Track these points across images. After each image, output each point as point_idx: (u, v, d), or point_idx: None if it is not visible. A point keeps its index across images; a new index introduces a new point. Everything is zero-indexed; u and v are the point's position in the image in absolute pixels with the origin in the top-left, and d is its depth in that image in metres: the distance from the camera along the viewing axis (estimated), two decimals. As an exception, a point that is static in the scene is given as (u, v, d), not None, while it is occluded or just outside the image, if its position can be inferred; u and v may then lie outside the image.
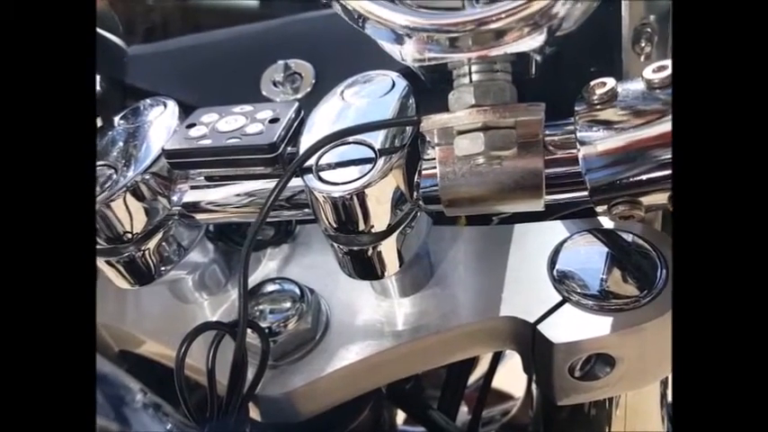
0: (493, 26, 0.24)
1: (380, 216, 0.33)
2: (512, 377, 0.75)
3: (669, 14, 0.43)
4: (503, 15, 0.24)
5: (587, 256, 0.41)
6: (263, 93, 0.50)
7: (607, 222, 0.43)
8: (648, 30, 0.45)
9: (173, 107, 0.42)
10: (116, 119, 0.42)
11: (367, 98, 0.37)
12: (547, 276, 0.41)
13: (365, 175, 0.32)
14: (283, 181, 0.33)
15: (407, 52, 0.27)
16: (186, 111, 0.43)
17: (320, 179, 0.33)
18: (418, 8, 0.27)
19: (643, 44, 0.46)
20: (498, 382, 0.65)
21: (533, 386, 0.53)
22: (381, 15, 0.26)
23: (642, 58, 0.47)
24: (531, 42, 0.25)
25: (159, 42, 0.53)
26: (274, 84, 0.49)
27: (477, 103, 0.29)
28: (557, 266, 0.41)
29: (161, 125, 0.40)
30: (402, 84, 0.37)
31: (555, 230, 0.43)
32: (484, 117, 0.28)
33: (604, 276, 0.40)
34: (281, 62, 0.49)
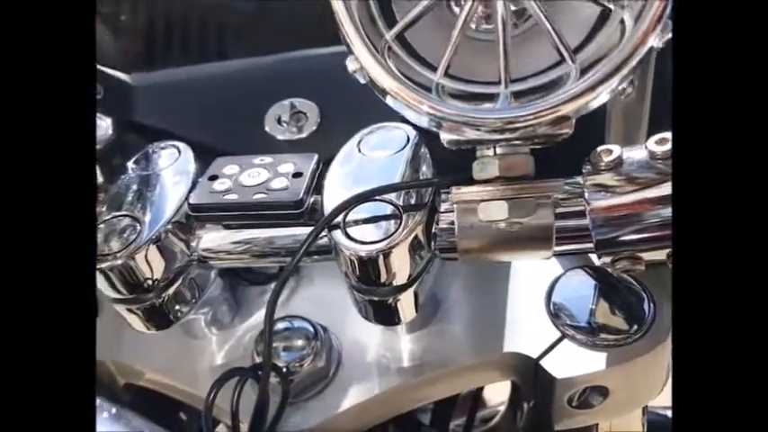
0: (520, 125, 0.27)
1: (402, 270, 0.35)
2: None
3: (649, 56, 0.47)
4: (530, 118, 0.27)
5: (581, 292, 0.44)
6: (267, 129, 0.51)
7: (597, 258, 0.46)
8: (629, 72, 0.49)
9: (187, 153, 0.42)
10: (129, 164, 0.42)
11: (384, 152, 0.39)
12: (544, 311, 0.44)
13: (392, 234, 0.34)
14: (311, 238, 0.35)
15: (444, 140, 0.29)
16: (193, 147, 0.43)
17: (347, 236, 0.34)
18: (452, 93, 0.29)
19: (624, 85, 0.49)
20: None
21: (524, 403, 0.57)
22: (412, 103, 0.28)
23: (623, 97, 0.50)
24: (561, 132, 0.28)
25: (162, 72, 0.53)
26: (279, 122, 0.50)
27: (502, 176, 0.31)
28: (552, 301, 0.44)
29: (178, 172, 0.41)
30: (416, 136, 0.39)
31: (549, 265, 0.46)
32: (510, 193, 0.31)
33: (597, 312, 0.43)
34: (286, 101, 0.50)
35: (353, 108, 0.49)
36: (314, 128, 0.50)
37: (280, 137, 0.50)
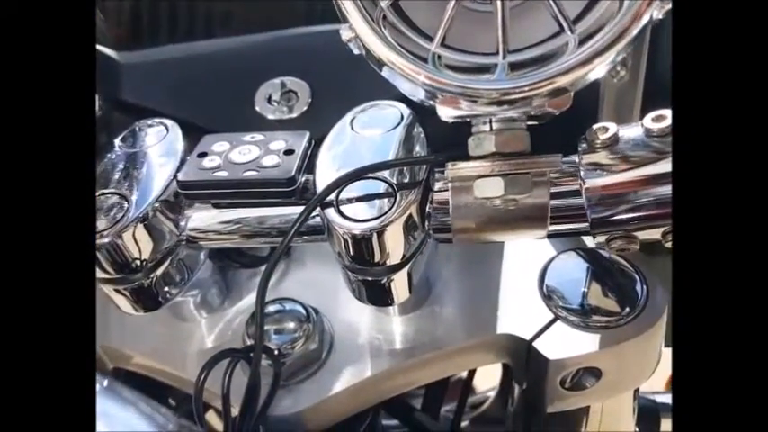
0: (516, 96, 0.26)
1: (396, 250, 0.35)
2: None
3: (643, 39, 0.46)
4: (526, 89, 0.26)
5: (573, 275, 0.44)
6: (257, 109, 0.50)
7: (590, 240, 0.46)
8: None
9: (175, 130, 0.41)
10: (116, 141, 0.41)
11: (377, 130, 0.38)
12: (536, 293, 0.44)
13: (386, 213, 0.33)
14: (303, 217, 0.34)
15: (440, 113, 0.28)
16: (182, 126, 0.42)
17: (340, 214, 0.34)
18: (449, 64, 0.28)
19: (618, 68, 0.49)
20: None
21: (515, 387, 0.57)
22: (411, 75, 0.27)
23: (615, 81, 0.50)
24: (558, 106, 0.27)
25: (151, 50, 0.52)
26: (269, 101, 0.49)
27: (498, 151, 0.31)
28: (545, 284, 0.44)
29: (166, 150, 0.40)
30: (409, 115, 0.39)
31: (542, 247, 0.46)
32: (508, 168, 0.30)
33: (590, 294, 0.43)
34: (277, 80, 0.49)
35: (345, 87, 0.49)
36: (305, 107, 0.49)
37: (270, 116, 0.49)
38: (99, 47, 0.49)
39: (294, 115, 0.49)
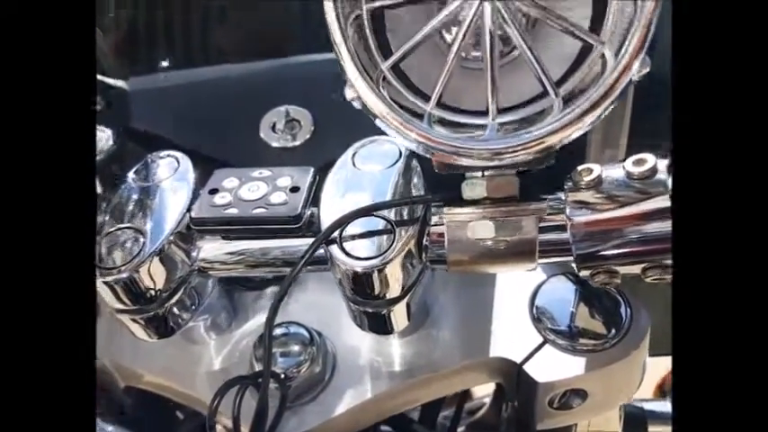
0: (507, 156, 0.29)
1: (395, 284, 0.37)
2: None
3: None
4: (516, 149, 0.28)
5: (562, 298, 0.47)
6: (262, 136, 0.52)
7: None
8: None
9: (185, 162, 0.43)
10: (130, 174, 0.43)
11: (378, 166, 0.40)
12: (527, 316, 0.46)
13: (386, 251, 0.35)
14: (309, 254, 0.36)
15: (436, 166, 0.31)
16: (189, 152, 0.44)
17: (344, 251, 0.36)
18: (442, 119, 0.31)
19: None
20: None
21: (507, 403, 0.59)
22: (405, 132, 0.30)
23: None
24: (544, 160, 0.30)
25: (158, 76, 0.54)
26: (273, 129, 0.51)
27: (490, 197, 0.33)
28: (535, 305, 0.46)
29: (178, 184, 0.42)
30: (407, 150, 0.41)
31: (533, 272, 0.48)
32: (498, 214, 0.33)
33: (577, 316, 0.45)
34: (281, 108, 0.51)
35: (347, 116, 0.51)
36: (308, 136, 0.51)
37: (274, 144, 0.51)
38: (109, 79, 0.51)
39: (297, 143, 0.51)
